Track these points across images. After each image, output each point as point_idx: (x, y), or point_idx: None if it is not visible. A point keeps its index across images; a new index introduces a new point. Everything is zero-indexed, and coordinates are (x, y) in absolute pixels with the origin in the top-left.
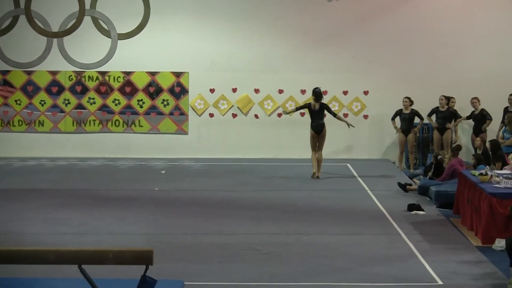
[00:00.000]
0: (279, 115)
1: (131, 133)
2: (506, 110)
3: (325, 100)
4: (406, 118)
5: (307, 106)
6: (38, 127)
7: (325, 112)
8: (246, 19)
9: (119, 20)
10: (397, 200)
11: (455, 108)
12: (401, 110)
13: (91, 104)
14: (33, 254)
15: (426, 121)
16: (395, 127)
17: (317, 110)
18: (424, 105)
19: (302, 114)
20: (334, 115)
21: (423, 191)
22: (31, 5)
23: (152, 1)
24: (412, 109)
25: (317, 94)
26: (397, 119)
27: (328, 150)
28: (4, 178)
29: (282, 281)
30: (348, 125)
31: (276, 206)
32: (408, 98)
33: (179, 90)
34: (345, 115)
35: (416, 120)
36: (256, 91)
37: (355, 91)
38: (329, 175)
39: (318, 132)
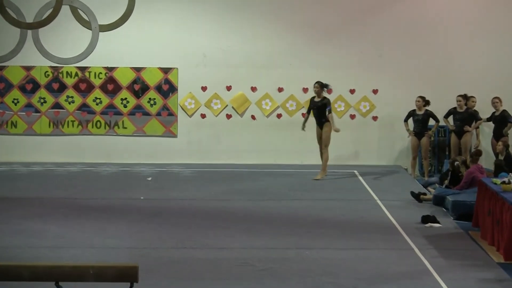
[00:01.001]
0: (278, 115)
1: (114, 135)
2: None
3: (330, 99)
4: (420, 120)
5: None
6: (11, 128)
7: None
8: (242, 9)
9: (100, 10)
10: (409, 211)
11: (475, 109)
12: (414, 111)
13: (69, 103)
14: (5, 270)
15: (442, 123)
16: (408, 130)
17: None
18: (440, 106)
19: (304, 115)
20: (329, 112)
21: (438, 201)
22: None
23: None
24: (427, 110)
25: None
26: (410, 121)
27: (334, 155)
28: None
29: None
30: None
31: (274, 218)
32: (422, 97)
33: (168, 88)
34: (352, 116)
35: (431, 122)
36: (253, 89)
37: (363, 89)
38: (334, 183)
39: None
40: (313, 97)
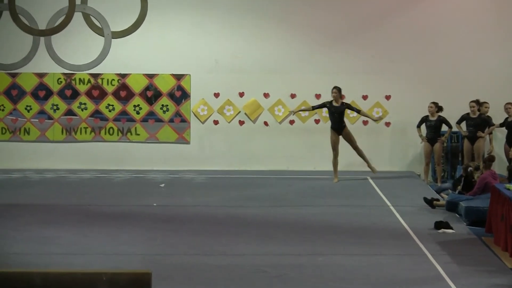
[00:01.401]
0: (291, 122)
1: (127, 142)
2: None
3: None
4: (432, 126)
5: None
6: (24, 135)
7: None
8: (254, 15)
9: (113, 16)
10: (422, 217)
11: (488, 114)
12: (427, 116)
13: (82, 110)
14: (17, 277)
15: (455, 129)
16: (420, 136)
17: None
18: (453, 111)
19: (317, 121)
20: (358, 111)
21: (451, 207)
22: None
23: None
24: (439, 116)
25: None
26: (423, 126)
27: (346, 161)
28: None
29: None
30: (375, 120)
31: (287, 224)
32: (435, 103)
33: (180, 95)
34: (365, 122)
35: (444, 128)
36: (266, 95)
37: (375, 95)
38: (346, 189)
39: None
40: (331, 101)
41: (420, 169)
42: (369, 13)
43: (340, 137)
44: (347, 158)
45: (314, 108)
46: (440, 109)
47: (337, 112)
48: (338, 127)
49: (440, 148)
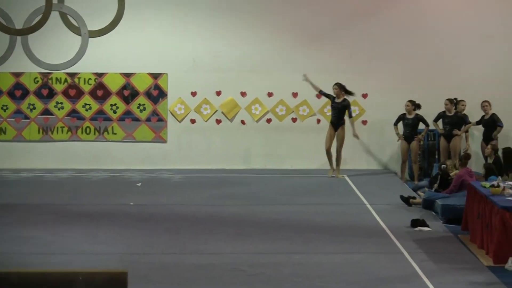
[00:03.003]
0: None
1: (104, 141)
2: None
3: (320, 104)
4: (410, 124)
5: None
6: (0, 135)
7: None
8: (232, 14)
9: (90, 15)
10: (399, 215)
11: (464, 112)
12: (404, 114)
13: (59, 109)
14: None
15: (432, 127)
16: (397, 134)
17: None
18: (430, 109)
19: (294, 120)
20: (350, 116)
21: (428, 205)
22: None
23: None
24: (417, 114)
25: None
26: (400, 124)
27: (322, 159)
28: None
29: None
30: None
31: (264, 223)
32: (412, 101)
33: (157, 94)
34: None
35: (421, 126)
36: (243, 94)
37: None
38: (324, 187)
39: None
40: (334, 97)
41: (397, 167)
42: (347, 12)
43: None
44: (325, 156)
45: (321, 92)
46: (417, 107)
47: (336, 108)
48: (336, 123)
49: (417, 146)
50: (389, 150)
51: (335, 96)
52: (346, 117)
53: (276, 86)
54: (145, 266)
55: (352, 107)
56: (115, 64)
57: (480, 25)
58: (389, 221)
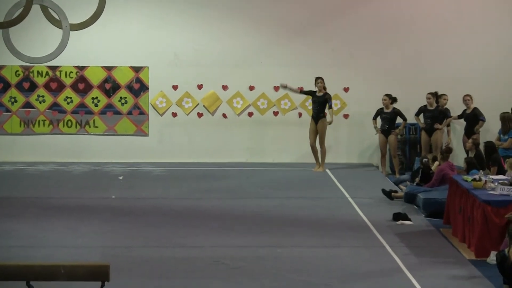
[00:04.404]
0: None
1: (85, 134)
2: None
3: (301, 97)
4: (387, 118)
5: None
6: None
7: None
8: (212, 8)
9: (71, 9)
10: (381, 208)
11: (446, 106)
12: (382, 109)
13: (40, 102)
14: None
15: (413, 120)
16: (375, 127)
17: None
18: (412, 103)
19: (276, 113)
20: (330, 107)
21: (410, 198)
22: None
23: None
24: (394, 108)
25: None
26: (378, 119)
27: (303, 153)
28: None
29: None
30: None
31: (246, 216)
32: (388, 95)
33: (139, 87)
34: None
35: (399, 120)
36: (224, 88)
37: (334, 87)
38: (305, 180)
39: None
40: (315, 91)
41: (378, 161)
42: (329, 6)
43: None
44: (305, 149)
45: (301, 92)
46: (394, 100)
47: (317, 102)
48: (316, 117)
49: (394, 140)
50: (371, 144)
51: (315, 90)
52: (326, 111)
53: (258, 79)
54: (126, 259)
55: (334, 101)
56: (96, 57)
57: (462, 18)
58: (371, 215)
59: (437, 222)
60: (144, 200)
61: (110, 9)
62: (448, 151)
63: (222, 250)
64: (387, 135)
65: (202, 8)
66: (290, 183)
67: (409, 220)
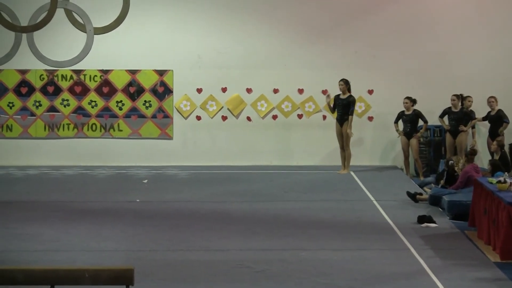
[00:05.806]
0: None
1: (110, 138)
2: None
3: (324, 101)
4: (408, 120)
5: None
6: (6, 132)
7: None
8: (236, 10)
9: (95, 12)
10: (406, 211)
11: (471, 108)
12: (403, 112)
13: (64, 106)
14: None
15: (438, 123)
16: (397, 130)
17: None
18: (437, 105)
19: (300, 116)
20: (351, 113)
21: (434, 201)
22: None
23: None
24: (415, 110)
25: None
26: (400, 122)
27: (327, 155)
28: None
29: None
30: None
31: (270, 219)
32: (409, 98)
33: (163, 90)
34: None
35: (421, 122)
36: (249, 90)
37: (358, 90)
38: (329, 183)
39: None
40: (338, 95)
41: (402, 163)
42: (352, 7)
43: None
44: (329, 151)
45: (331, 109)
46: (414, 102)
47: (341, 104)
48: (340, 119)
49: (416, 144)
50: (395, 146)
51: (339, 93)
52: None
53: (282, 82)
54: (150, 263)
55: (358, 103)
56: (120, 61)
57: (486, 20)
58: (395, 217)
59: (462, 224)
60: (168, 203)
61: (134, 12)
62: (472, 153)
63: (246, 253)
64: (409, 137)
65: (225, 11)
66: (315, 185)
67: (434, 222)
